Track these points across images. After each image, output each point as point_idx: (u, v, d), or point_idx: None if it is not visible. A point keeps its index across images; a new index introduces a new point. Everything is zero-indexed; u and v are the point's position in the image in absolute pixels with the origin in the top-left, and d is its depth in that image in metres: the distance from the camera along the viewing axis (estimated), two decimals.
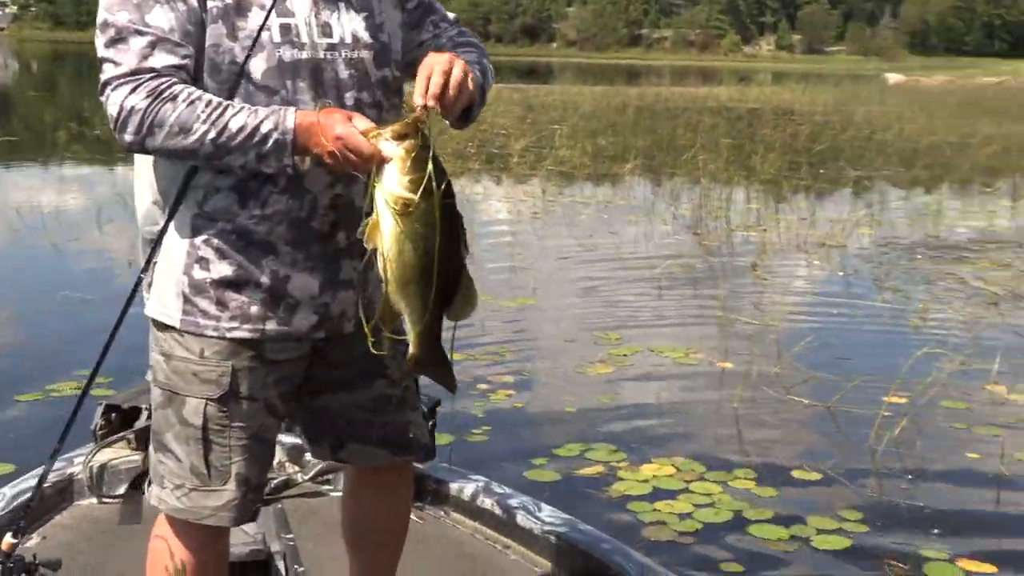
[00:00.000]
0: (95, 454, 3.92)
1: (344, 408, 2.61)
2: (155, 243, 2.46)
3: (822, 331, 7.84)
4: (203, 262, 2.39)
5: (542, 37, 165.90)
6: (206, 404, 2.41)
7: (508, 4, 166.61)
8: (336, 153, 2.20)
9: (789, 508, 4.93)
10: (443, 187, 2.20)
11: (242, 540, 3.36)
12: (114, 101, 2.25)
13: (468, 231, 2.33)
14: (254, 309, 2.39)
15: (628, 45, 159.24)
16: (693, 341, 7.61)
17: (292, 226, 2.37)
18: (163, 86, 2.23)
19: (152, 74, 2.24)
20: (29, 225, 11.20)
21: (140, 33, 2.25)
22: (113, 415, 4.01)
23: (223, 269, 2.38)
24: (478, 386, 6.38)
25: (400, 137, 2.18)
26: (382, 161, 2.18)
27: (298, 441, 3.97)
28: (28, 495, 3.35)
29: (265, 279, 2.38)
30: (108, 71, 2.27)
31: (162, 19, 2.26)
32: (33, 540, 3.53)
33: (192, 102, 2.23)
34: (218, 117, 2.22)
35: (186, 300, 2.40)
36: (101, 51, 2.29)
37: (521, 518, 3.69)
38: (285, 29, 2.33)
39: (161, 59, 2.25)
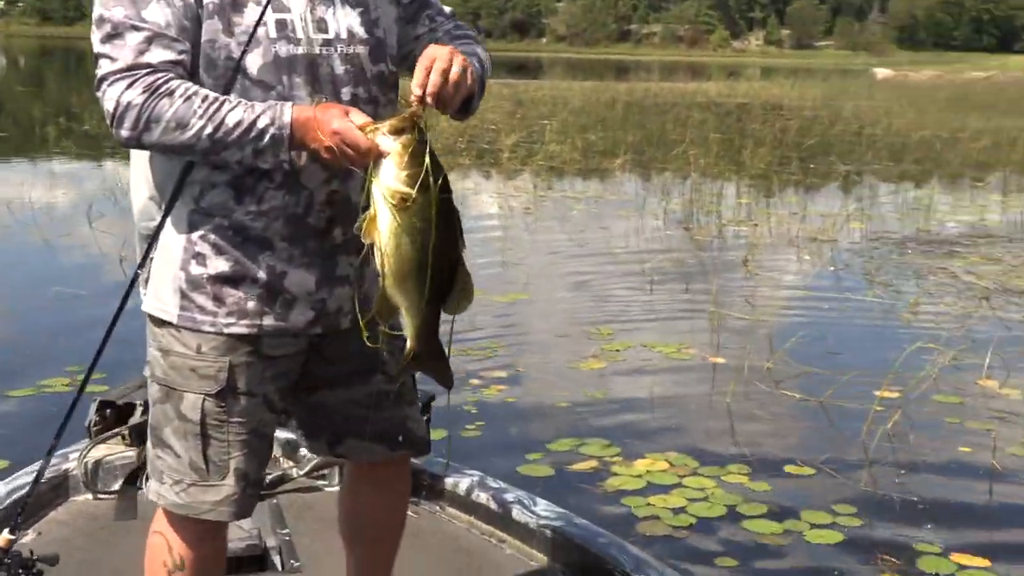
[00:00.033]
0: (90, 450, 3.91)
1: (341, 404, 2.61)
2: (151, 239, 2.46)
3: (814, 326, 7.86)
4: (200, 258, 2.38)
5: (531, 32, 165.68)
6: (204, 400, 2.41)
7: None
8: (333, 148, 2.20)
9: (782, 502, 4.95)
10: (440, 181, 2.20)
11: (238, 535, 3.36)
12: (111, 96, 2.24)
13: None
14: (251, 305, 2.39)
15: (617, 40, 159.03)
16: (685, 336, 7.63)
17: (288, 222, 2.37)
18: (160, 81, 2.23)
19: (148, 69, 2.24)
20: (19, 221, 11.18)
21: (136, 29, 2.25)
22: (107, 411, 4.00)
23: (220, 265, 2.38)
24: (470, 381, 6.38)
25: (397, 132, 2.18)
26: (379, 156, 2.18)
27: (292, 436, 3.96)
28: (24, 491, 3.35)
29: (262, 275, 2.38)
30: (104, 67, 2.26)
31: (158, 15, 2.26)
32: (29, 536, 3.52)
33: (189, 97, 2.22)
34: (215, 112, 2.22)
35: (183, 296, 2.40)
36: (97, 47, 2.28)
37: (517, 512, 3.70)
38: (281, 25, 2.33)
39: (157, 55, 2.25)
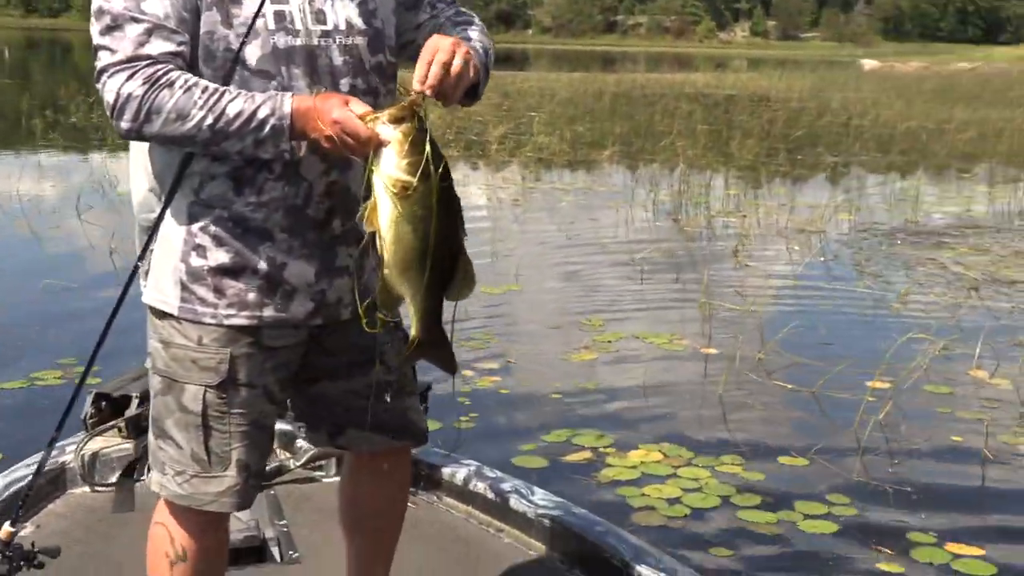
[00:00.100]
0: (87, 443, 3.91)
1: (342, 395, 2.61)
2: (152, 231, 2.46)
3: (805, 316, 7.87)
4: (200, 249, 2.39)
5: (517, 24, 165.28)
6: (205, 391, 2.41)
7: None
8: (334, 137, 2.20)
9: (776, 492, 4.96)
10: (440, 169, 2.20)
11: (236, 527, 3.35)
12: (111, 88, 2.24)
13: None
14: (251, 296, 2.39)
15: (603, 31, 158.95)
16: (676, 327, 7.64)
17: (288, 213, 2.37)
18: (160, 73, 2.23)
19: (149, 61, 2.24)
20: (8, 213, 11.15)
21: (136, 20, 2.25)
22: (103, 403, 3.99)
23: (220, 256, 2.38)
24: (464, 372, 6.37)
25: (397, 120, 2.18)
26: (379, 145, 2.18)
27: (289, 428, 3.97)
28: (22, 484, 3.35)
29: (262, 266, 2.38)
30: (104, 58, 2.26)
31: (157, 6, 2.25)
32: (27, 529, 3.51)
33: (189, 88, 2.22)
34: (215, 103, 2.22)
35: (184, 288, 2.40)
36: (97, 39, 2.28)
37: (514, 502, 3.70)
38: (279, 16, 2.33)
39: (157, 46, 2.25)
